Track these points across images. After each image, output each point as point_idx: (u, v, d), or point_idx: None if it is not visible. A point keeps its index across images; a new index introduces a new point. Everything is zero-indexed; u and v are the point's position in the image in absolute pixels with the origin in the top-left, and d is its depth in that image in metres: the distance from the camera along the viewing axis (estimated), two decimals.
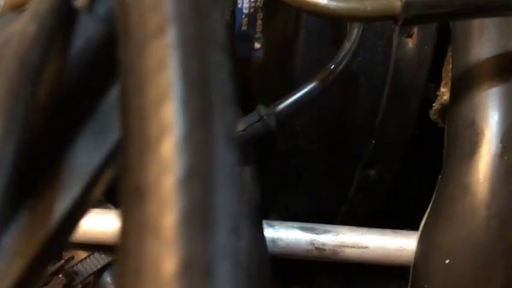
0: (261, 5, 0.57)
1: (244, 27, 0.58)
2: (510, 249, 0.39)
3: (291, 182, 0.59)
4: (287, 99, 0.38)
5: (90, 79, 0.23)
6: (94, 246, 0.45)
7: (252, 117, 0.38)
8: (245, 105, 0.46)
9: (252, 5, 0.58)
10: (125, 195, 0.18)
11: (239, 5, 0.59)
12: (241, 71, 0.55)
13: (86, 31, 0.23)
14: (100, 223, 0.44)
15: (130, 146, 0.19)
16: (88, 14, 0.23)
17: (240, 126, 0.38)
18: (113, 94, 0.23)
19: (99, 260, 0.45)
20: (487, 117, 0.40)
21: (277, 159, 0.57)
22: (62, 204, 0.19)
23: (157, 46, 0.19)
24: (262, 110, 0.38)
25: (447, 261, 0.40)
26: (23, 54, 0.20)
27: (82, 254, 0.46)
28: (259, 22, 0.58)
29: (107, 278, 0.47)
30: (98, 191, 0.21)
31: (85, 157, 0.21)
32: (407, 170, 0.56)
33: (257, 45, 0.57)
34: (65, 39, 0.22)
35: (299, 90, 0.38)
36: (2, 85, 0.19)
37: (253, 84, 0.54)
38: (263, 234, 0.41)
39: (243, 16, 0.59)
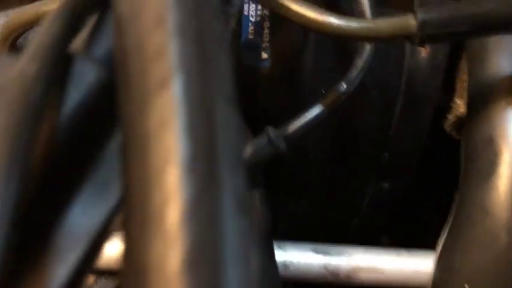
0: (267, 14, 0.55)
1: (251, 36, 0.56)
2: None
3: (301, 193, 0.57)
4: (297, 120, 0.37)
5: (88, 129, 0.21)
6: (100, 272, 0.44)
7: (261, 139, 0.36)
8: (251, 117, 0.44)
9: (259, 13, 0.56)
10: (128, 274, 0.16)
11: (245, 12, 0.57)
12: (247, 81, 0.54)
13: (82, 76, 0.21)
14: (107, 248, 0.43)
15: (131, 217, 0.17)
16: (85, 57, 0.22)
17: (249, 150, 0.36)
18: (115, 143, 0.21)
19: (105, 285, 0.44)
20: (506, 135, 0.38)
21: (286, 171, 0.55)
22: (59, 273, 0.18)
23: (160, 101, 0.18)
24: (271, 132, 0.36)
25: (466, 286, 0.38)
26: (24, 95, 0.19)
27: (88, 280, 0.44)
28: (266, 31, 0.56)
29: None
30: (99, 254, 0.20)
31: (85, 217, 0.19)
32: (420, 182, 0.55)
33: (264, 55, 0.55)
34: (59, 86, 0.21)
35: (310, 112, 0.36)
36: (3, 126, 0.18)
37: (260, 96, 0.53)
38: (274, 260, 0.40)
39: (250, 24, 0.57)
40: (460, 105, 0.47)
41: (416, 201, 0.59)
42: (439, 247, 0.41)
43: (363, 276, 0.42)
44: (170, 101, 0.17)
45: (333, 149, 0.52)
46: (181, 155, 0.16)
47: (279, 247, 0.43)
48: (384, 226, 0.62)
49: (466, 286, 0.38)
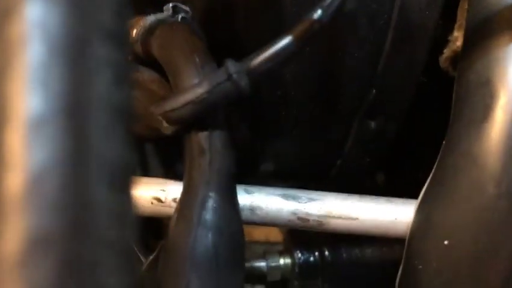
0: None
1: None
2: None
3: (282, 133, 0.53)
4: (262, 53, 0.31)
5: None
6: None
7: (219, 74, 0.31)
8: (227, 50, 0.39)
9: None
10: None
11: None
12: (223, 6, 0.48)
13: None
14: None
15: None
16: None
17: (205, 86, 0.32)
18: None
19: None
20: (505, 76, 0.33)
21: (266, 109, 0.51)
22: None
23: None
24: (231, 66, 0.31)
25: (446, 242, 0.34)
26: None
27: None
28: None
29: None
30: None
31: None
32: (411, 123, 0.50)
33: None
34: None
35: (277, 43, 0.31)
36: None
37: (237, 23, 0.47)
38: (235, 205, 0.36)
39: None
40: (457, 38, 0.41)
41: (409, 146, 0.55)
42: (420, 196, 0.38)
43: (335, 223, 0.39)
44: (18, 31, 0.12)
45: (315, 84, 0.47)
46: (25, 112, 0.12)
47: (247, 191, 0.40)
48: (370, 169, 0.59)
49: (446, 242, 0.35)
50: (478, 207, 0.33)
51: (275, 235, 0.70)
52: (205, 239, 0.34)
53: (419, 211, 0.37)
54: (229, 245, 0.35)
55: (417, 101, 0.49)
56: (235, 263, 0.35)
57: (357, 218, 0.39)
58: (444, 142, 0.37)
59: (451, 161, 0.35)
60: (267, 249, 0.66)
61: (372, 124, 0.51)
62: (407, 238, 0.38)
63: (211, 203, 0.34)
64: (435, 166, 0.37)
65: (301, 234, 0.68)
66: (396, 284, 0.39)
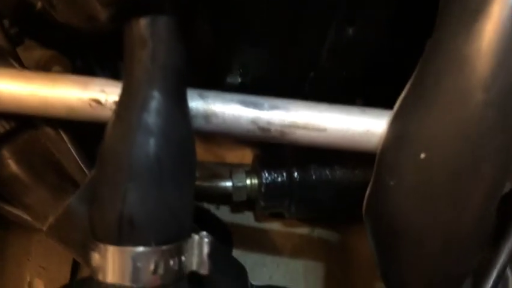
0: None
1: None
2: (505, 146, 0.29)
3: (250, 39, 0.47)
4: None
5: None
6: None
7: None
8: None
9: None
10: None
11: None
12: None
13: None
14: None
15: None
16: None
17: None
18: None
19: None
20: None
21: (232, 10, 0.44)
22: None
23: None
24: None
25: (422, 156, 0.30)
26: None
27: None
28: None
29: None
30: None
31: None
32: (394, 30, 0.44)
33: None
34: None
35: None
36: None
37: None
38: (184, 111, 0.31)
39: None
40: None
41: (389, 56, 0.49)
42: (397, 104, 0.33)
43: (300, 134, 0.34)
44: None
45: None
46: None
47: (201, 96, 0.34)
48: (347, 86, 0.53)
49: (423, 155, 0.30)
50: (462, 116, 0.28)
51: (250, 159, 0.65)
52: (146, 145, 0.28)
53: (394, 121, 0.32)
54: (176, 154, 0.30)
55: (399, 8, 0.43)
56: (182, 175, 0.30)
57: (325, 129, 0.34)
58: (427, 45, 0.31)
59: (434, 66, 0.30)
60: (234, 170, 0.62)
61: (350, 31, 0.45)
62: (378, 151, 0.33)
63: (154, 104, 0.29)
64: (415, 72, 0.32)
65: (270, 154, 0.64)
66: (365, 202, 0.35)
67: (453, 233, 0.31)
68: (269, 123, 0.34)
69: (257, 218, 0.66)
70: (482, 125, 0.28)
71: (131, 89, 0.29)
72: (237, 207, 0.66)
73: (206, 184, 0.61)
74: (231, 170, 0.62)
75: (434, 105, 0.29)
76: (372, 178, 0.34)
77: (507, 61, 0.28)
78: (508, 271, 0.48)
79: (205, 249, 0.31)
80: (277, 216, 0.65)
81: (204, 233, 0.32)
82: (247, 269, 0.54)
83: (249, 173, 0.60)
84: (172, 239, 0.30)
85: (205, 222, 0.62)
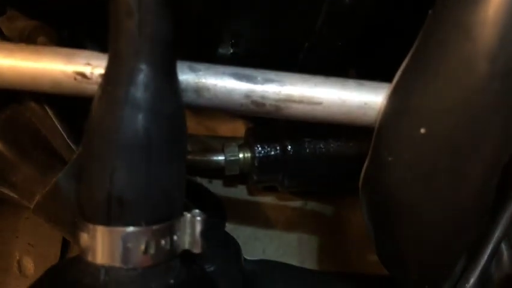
0: None
1: None
2: (508, 122, 0.28)
3: (244, 8, 0.45)
4: None
5: None
6: None
7: None
8: None
9: None
10: None
11: None
12: None
13: None
14: None
15: None
16: None
17: None
18: None
19: None
20: None
21: None
22: None
23: None
24: None
25: (422, 131, 0.29)
26: None
27: None
28: None
29: None
30: None
31: None
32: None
33: None
34: None
35: None
36: None
37: None
38: (174, 84, 0.29)
39: None
40: None
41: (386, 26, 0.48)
42: (396, 77, 0.31)
43: (296, 108, 0.33)
44: None
45: None
46: None
47: (191, 69, 0.33)
48: (342, 57, 0.52)
49: (423, 130, 0.29)
50: (466, 88, 0.27)
51: (242, 131, 0.64)
52: (134, 120, 0.27)
53: (393, 94, 0.31)
54: (166, 130, 0.28)
55: None
56: (172, 152, 0.29)
57: (321, 103, 0.32)
58: (429, 16, 0.30)
59: (437, 36, 0.29)
60: (226, 143, 0.60)
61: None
62: (376, 126, 0.32)
63: (141, 78, 0.27)
64: (416, 43, 0.30)
65: (263, 127, 0.63)
66: (361, 177, 0.34)
67: (452, 208, 0.30)
68: (263, 97, 0.32)
69: (250, 192, 0.65)
70: (486, 97, 0.27)
71: (117, 62, 0.27)
72: (230, 181, 0.65)
73: (198, 158, 0.60)
74: (223, 143, 0.60)
75: (435, 77, 0.28)
76: (370, 153, 0.32)
77: None
78: (503, 247, 0.47)
79: (198, 228, 0.30)
80: (270, 189, 0.64)
81: (197, 211, 0.31)
82: (240, 243, 0.54)
83: (242, 147, 0.59)
84: (163, 218, 0.29)
85: (197, 196, 0.61)
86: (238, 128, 0.67)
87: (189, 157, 0.60)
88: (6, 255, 0.49)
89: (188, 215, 0.30)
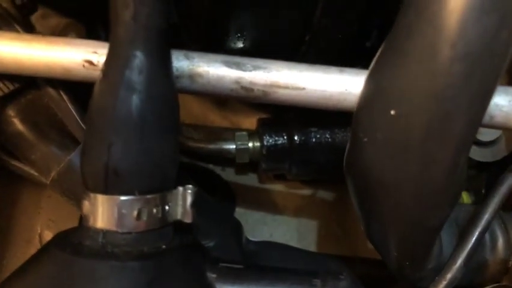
0: None
1: None
2: (472, 102, 0.29)
3: (246, 2, 0.47)
4: None
5: None
6: None
7: None
8: None
9: None
10: None
11: None
12: None
13: None
14: None
15: None
16: None
17: None
18: None
19: None
20: None
21: None
22: None
23: None
24: None
25: (392, 112, 0.31)
26: None
27: None
28: None
29: None
30: None
31: None
32: None
33: None
34: None
35: None
36: None
37: None
38: (168, 71, 0.32)
39: None
40: None
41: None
42: (372, 63, 0.33)
43: (282, 93, 0.35)
44: None
45: None
46: None
47: (186, 57, 0.35)
48: (342, 49, 0.53)
49: (392, 111, 0.31)
50: (430, 71, 0.29)
51: None
52: (128, 101, 0.30)
53: (369, 80, 0.33)
54: (158, 110, 0.31)
55: None
56: (164, 130, 0.31)
57: (304, 88, 0.35)
58: (402, 2, 0.32)
59: (406, 22, 0.30)
60: (237, 133, 0.63)
61: None
62: (355, 110, 0.34)
63: (136, 63, 0.30)
64: (391, 30, 0.32)
65: (273, 118, 0.65)
66: (344, 160, 0.36)
67: (423, 186, 0.32)
68: (252, 83, 0.35)
69: (261, 180, 0.67)
70: (449, 80, 0.28)
71: (115, 49, 0.31)
72: (242, 169, 0.68)
73: (211, 146, 0.63)
74: (234, 133, 0.63)
75: (404, 62, 0.30)
76: (350, 135, 0.35)
77: (474, 17, 0.28)
78: (498, 232, 0.48)
79: (189, 200, 0.33)
80: (280, 178, 0.67)
81: (190, 185, 0.34)
82: (249, 227, 0.56)
83: (252, 136, 0.62)
84: (156, 189, 0.32)
85: (209, 181, 0.64)
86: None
87: (203, 145, 0.63)
88: (29, 228, 0.54)
89: (181, 188, 0.33)
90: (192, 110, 0.68)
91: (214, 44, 0.54)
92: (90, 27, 0.53)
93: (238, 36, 0.52)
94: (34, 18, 0.47)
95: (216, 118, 0.70)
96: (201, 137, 0.66)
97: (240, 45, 0.53)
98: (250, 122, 0.70)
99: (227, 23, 0.50)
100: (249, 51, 0.54)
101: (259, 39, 0.51)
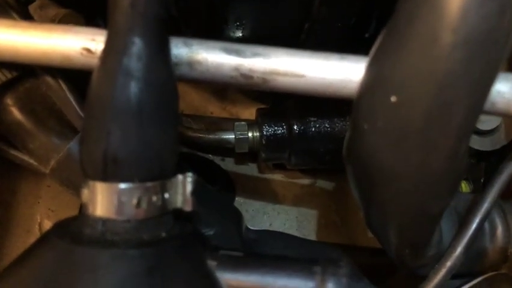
0: None
1: None
2: (473, 88, 0.29)
3: None
4: None
5: None
6: None
7: None
8: None
9: None
10: None
11: None
12: None
13: None
14: None
15: None
16: None
17: None
18: None
19: None
20: None
21: None
22: None
23: None
24: None
25: (393, 99, 0.30)
26: None
27: None
28: None
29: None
30: None
31: None
32: None
33: None
34: None
35: None
36: None
37: None
38: (166, 58, 0.32)
39: None
40: None
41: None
42: (373, 49, 0.33)
43: (281, 81, 0.35)
44: None
45: None
46: None
47: (185, 44, 0.35)
48: (341, 38, 0.53)
49: (393, 98, 0.30)
50: (431, 58, 0.28)
51: None
52: (126, 87, 0.30)
53: (370, 66, 0.32)
54: (156, 98, 0.31)
55: None
56: (163, 117, 0.31)
57: (303, 75, 0.34)
58: None
59: (407, 8, 0.30)
60: (237, 123, 0.63)
61: None
62: (355, 97, 0.33)
63: (134, 50, 0.30)
64: (392, 16, 0.32)
65: (272, 108, 0.65)
66: (344, 147, 0.36)
67: (424, 173, 0.32)
68: (251, 70, 0.34)
69: (260, 170, 0.67)
70: (450, 66, 0.28)
71: (113, 36, 0.30)
72: (241, 159, 0.67)
73: (211, 136, 0.63)
74: (233, 123, 0.63)
75: (405, 48, 0.30)
76: (350, 123, 0.34)
77: (476, 2, 0.27)
78: (497, 220, 0.48)
79: (189, 188, 0.33)
80: (280, 167, 0.67)
81: (190, 173, 0.33)
82: (249, 216, 0.56)
83: (251, 126, 0.61)
84: (155, 176, 0.31)
85: (208, 171, 0.64)
86: None
87: (202, 135, 0.63)
88: (29, 217, 0.54)
89: (181, 176, 0.33)
90: (191, 101, 0.68)
91: (213, 33, 0.53)
92: (88, 18, 0.53)
93: (237, 25, 0.51)
94: (32, 8, 0.46)
95: (215, 109, 0.70)
96: (200, 127, 0.66)
97: (239, 34, 0.52)
98: (249, 112, 0.70)
99: (226, 12, 0.49)
100: (248, 40, 0.53)
101: (258, 28, 0.51)
